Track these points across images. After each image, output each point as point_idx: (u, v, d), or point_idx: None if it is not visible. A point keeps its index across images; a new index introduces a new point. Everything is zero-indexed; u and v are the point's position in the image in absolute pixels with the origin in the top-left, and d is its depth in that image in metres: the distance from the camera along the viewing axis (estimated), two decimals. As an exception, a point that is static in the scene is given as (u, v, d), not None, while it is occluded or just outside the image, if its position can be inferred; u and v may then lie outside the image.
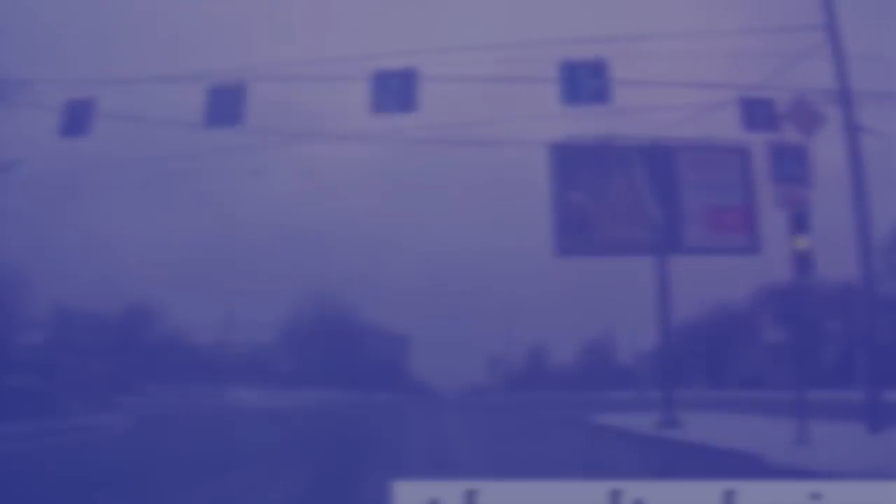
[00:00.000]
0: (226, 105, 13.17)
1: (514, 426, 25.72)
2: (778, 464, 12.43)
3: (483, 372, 68.31)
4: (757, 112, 14.42)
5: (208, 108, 13.18)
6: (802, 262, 14.18)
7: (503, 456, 15.24)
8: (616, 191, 23.54)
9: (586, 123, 23.02)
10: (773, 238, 23.10)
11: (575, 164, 23.63)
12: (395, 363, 67.93)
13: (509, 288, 66.92)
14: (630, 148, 23.56)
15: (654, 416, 22.03)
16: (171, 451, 16.69)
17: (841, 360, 41.60)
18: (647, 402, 28.60)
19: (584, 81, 12.38)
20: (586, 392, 56.33)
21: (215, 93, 13.20)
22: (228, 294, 56.12)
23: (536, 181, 24.33)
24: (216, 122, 13.40)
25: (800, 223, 14.17)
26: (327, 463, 14.11)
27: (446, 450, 16.44)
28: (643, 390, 46.57)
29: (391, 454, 15.78)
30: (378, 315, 63.55)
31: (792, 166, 14.22)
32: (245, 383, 53.90)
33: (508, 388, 65.56)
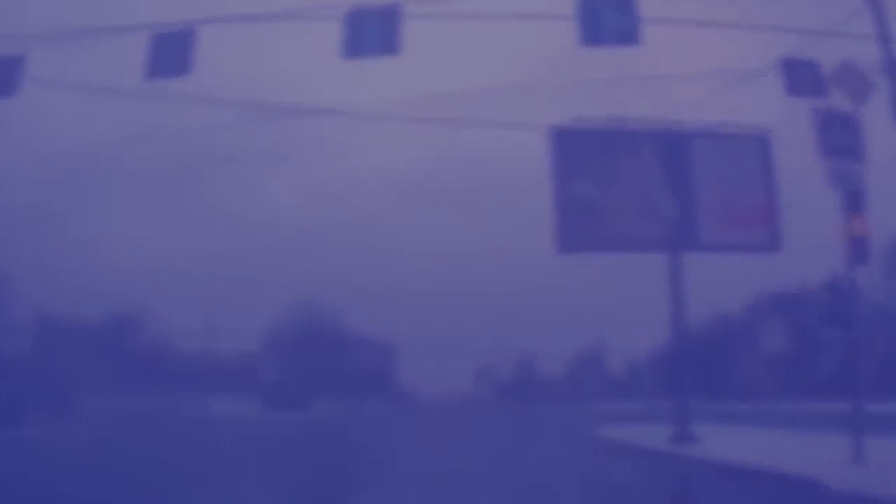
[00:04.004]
0: (171, 55, 11.14)
1: (518, 436, 24.62)
2: (838, 489, 10.27)
3: (475, 380, 67.47)
4: (802, 77, 12.38)
5: (152, 59, 11.14)
6: (857, 248, 12.09)
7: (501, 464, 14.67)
8: (624, 180, 21.44)
9: (593, 101, 20.89)
10: (795, 233, 21.41)
11: (578, 149, 21.50)
12: (386, 370, 67.25)
13: (508, 287, 65.41)
14: (640, 132, 21.43)
15: (667, 430, 19.86)
16: (152, 460, 16.36)
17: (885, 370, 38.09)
18: (660, 413, 26.76)
19: (608, 18, 10.30)
20: (590, 402, 55.24)
21: (160, 41, 11.16)
22: (215, 300, 55.52)
23: (536, 169, 22.31)
24: (159, 73, 11.38)
25: (854, 202, 12.09)
26: (313, 473, 13.88)
27: (437, 461, 15.76)
28: (654, 401, 44.90)
29: (379, 464, 15.26)
30: (368, 321, 62.64)
31: (844, 138, 12.15)
32: (231, 392, 52.68)
33: (503, 397, 64.76)
